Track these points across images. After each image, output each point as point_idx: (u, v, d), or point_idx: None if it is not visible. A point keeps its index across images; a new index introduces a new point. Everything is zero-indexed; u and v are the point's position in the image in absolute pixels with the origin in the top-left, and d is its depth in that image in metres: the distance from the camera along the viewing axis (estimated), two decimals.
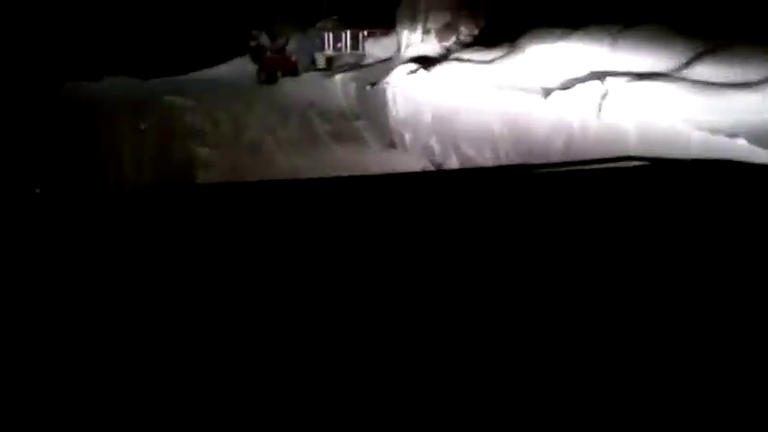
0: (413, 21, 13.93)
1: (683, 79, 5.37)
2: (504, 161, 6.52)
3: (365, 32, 16.85)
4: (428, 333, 0.81)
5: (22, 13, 16.44)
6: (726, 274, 0.96)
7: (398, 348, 0.78)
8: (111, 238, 1.21)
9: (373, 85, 10.31)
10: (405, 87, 8.74)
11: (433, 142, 8.08)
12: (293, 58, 16.95)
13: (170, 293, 0.95)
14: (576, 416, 0.66)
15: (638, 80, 5.54)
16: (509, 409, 0.67)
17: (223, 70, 18.73)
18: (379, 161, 8.13)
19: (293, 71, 16.29)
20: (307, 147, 9.42)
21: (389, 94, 9.28)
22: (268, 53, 17.79)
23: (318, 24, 17.50)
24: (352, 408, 0.67)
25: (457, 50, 10.46)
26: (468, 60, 8.01)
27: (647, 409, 0.67)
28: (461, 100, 7.35)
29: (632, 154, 2.32)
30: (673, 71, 5.67)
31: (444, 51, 11.59)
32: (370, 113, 10.04)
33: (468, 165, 7.11)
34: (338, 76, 13.01)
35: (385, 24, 15.99)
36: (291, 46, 17.68)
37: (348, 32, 17.06)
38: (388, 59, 14.62)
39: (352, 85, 11.79)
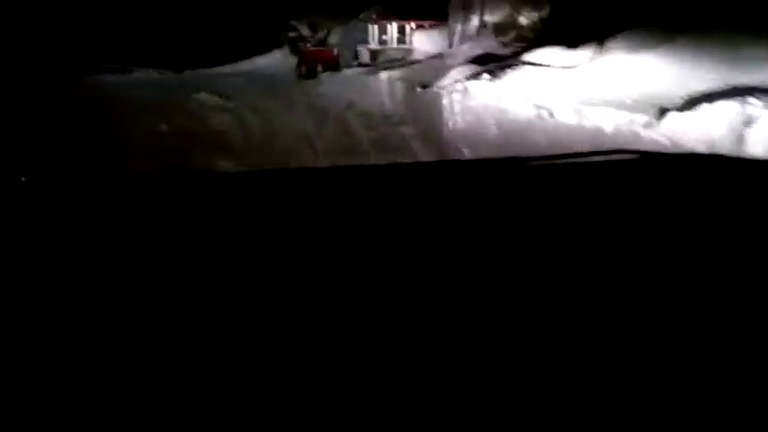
0: (467, 13, 12.56)
1: None
2: None
3: (413, 25, 15.89)
4: (421, 324, 0.82)
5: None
6: (715, 267, 0.98)
7: (390, 337, 0.79)
8: (111, 227, 1.19)
9: (425, 86, 8.92)
10: (465, 93, 7.28)
11: None
12: (335, 52, 15.86)
13: (170, 285, 0.95)
14: (570, 413, 0.66)
15: None
16: (499, 401, 0.68)
17: (260, 63, 18.00)
18: None
19: (334, 65, 15.21)
20: (346, 157, 8.14)
21: (445, 100, 7.83)
22: (308, 46, 16.75)
23: (362, 15, 16.39)
24: (348, 397, 0.68)
25: (517, 48, 9.01)
26: (547, 65, 6.56)
27: (638, 404, 0.67)
28: (539, 113, 5.93)
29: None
30: None
31: (503, 48, 10.16)
32: (420, 120, 8.63)
33: None
34: (383, 74, 11.70)
35: (435, 16, 14.83)
36: (333, 38, 16.57)
37: (394, 24, 15.92)
38: (439, 56, 13.34)
39: (399, 85, 10.45)
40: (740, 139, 4.19)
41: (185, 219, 1.23)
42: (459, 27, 12.74)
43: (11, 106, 8.59)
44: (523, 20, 11.59)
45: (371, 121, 9.92)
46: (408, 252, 1.04)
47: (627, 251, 1.03)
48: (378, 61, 15.22)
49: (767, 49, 5.21)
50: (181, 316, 0.84)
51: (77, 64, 15.00)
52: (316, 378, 0.70)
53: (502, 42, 11.29)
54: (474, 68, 7.82)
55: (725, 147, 4.18)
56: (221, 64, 17.93)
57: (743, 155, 4.09)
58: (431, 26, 15.46)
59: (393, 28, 16.07)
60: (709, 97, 4.75)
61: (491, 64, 7.79)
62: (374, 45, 15.95)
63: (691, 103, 4.83)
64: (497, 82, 6.83)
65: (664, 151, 4.45)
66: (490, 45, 10.96)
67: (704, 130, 4.42)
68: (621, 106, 5.35)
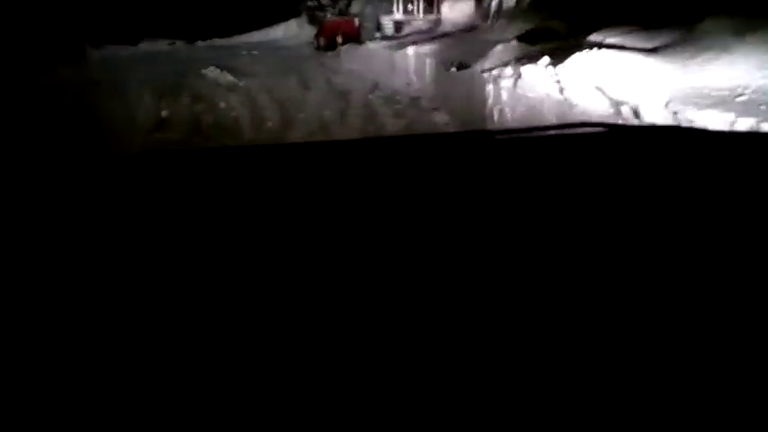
0: None
1: None
2: None
3: None
4: (394, 307, 0.82)
5: None
6: (680, 240, 0.99)
7: (367, 321, 0.79)
8: (94, 212, 1.17)
9: (462, 67, 7.69)
10: (518, 78, 6.00)
11: None
12: (356, 22, 14.62)
13: (165, 269, 0.94)
14: (555, 401, 0.66)
15: None
16: (484, 389, 0.68)
17: (277, 33, 16.96)
18: None
19: (356, 37, 14.00)
20: None
21: (490, 85, 6.57)
22: (328, 15, 15.54)
23: None
24: (343, 388, 0.68)
25: (573, 25, 7.74)
26: (620, 47, 5.29)
27: (621, 386, 0.67)
28: (618, 110, 4.67)
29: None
30: None
31: (554, 22, 8.85)
32: (456, 107, 7.40)
33: None
34: (410, 49, 10.46)
35: None
36: (355, 7, 15.31)
37: None
38: (472, 28, 12.03)
39: (430, 63, 9.23)
40: None
41: (178, 200, 1.20)
42: None
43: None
44: None
45: (398, 106, 8.78)
46: (375, 225, 1.05)
47: (594, 224, 1.04)
48: (402, 33, 14.03)
49: None
50: (177, 304, 0.84)
51: (83, 35, 13.99)
52: (309, 364, 0.71)
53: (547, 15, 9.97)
54: (524, 48, 6.51)
55: None
56: (236, 33, 16.95)
57: None
58: None
59: None
60: None
61: (544, 42, 6.45)
62: (399, 15, 14.69)
63: None
64: (560, 68, 5.55)
65: None
66: (535, 17, 9.64)
67: None
68: (728, 106, 4.15)
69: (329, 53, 13.22)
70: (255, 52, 13.63)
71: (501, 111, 6.26)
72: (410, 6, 15.10)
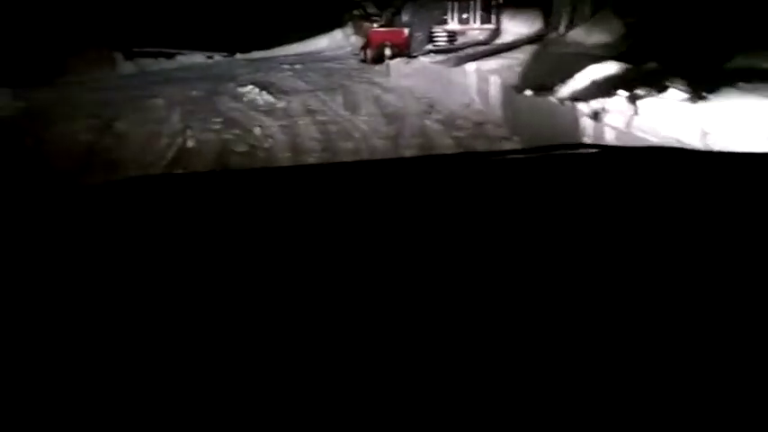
0: None
1: None
2: None
3: (500, 0, 12.85)
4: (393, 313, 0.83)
5: None
6: (679, 262, 0.98)
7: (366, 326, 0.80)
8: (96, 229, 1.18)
9: (540, 89, 6.35)
10: (628, 120, 4.49)
11: None
12: (405, 33, 13.47)
13: (169, 281, 0.95)
14: (549, 402, 0.67)
15: None
16: (480, 386, 0.69)
17: (321, 44, 16.19)
18: None
19: (405, 49, 12.90)
20: None
21: (585, 117, 5.15)
22: (375, 26, 14.46)
23: None
24: (343, 393, 0.68)
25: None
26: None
27: (626, 392, 0.67)
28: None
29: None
30: None
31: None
32: (531, 140, 6.08)
33: None
34: (471, 65, 9.17)
35: None
36: (404, 16, 14.15)
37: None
38: (539, 39, 10.70)
39: (494, 83, 7.92)
40: None
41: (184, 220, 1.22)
42: (567, 5, 10.07)
43: None
44: None
45: (460, 133, 7.53)
46: (373, 245, 1.05)
47: (588, 244, 1.04)
48: (456, 44, 12.81)
49: None
50: (178, 312, 0.83)
51: (114, 46, 13.27)
52: (311, 375, 0.71)
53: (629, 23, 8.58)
54: (629, 69, 5.11)
55: None
56: (277, 45, 16.22)
57: None
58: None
59: (476, 4, 13.53)
60: None
61: (657, 63, 5.03)
62: (454, 25, 13.46)
63: None
64: (701, 104, 4.09)
65: None
66: (618, 29, 8.24)
67: None
68: None
69: (376, 67, 12.24)
70: (298, 66, 12.72)
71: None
72: (465, 15, 13.83)
